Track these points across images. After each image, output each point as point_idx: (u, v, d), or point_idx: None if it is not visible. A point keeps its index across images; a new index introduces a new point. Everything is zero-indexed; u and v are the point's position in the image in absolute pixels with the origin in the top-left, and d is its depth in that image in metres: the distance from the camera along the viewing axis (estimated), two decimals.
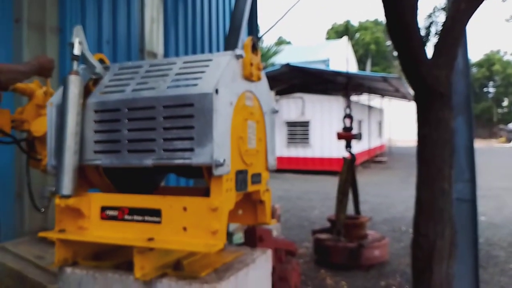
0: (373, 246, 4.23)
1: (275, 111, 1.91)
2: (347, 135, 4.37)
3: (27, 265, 2.55)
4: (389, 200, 9.76)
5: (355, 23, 47.95)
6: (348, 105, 4.56)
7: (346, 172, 4.17)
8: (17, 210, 2.81)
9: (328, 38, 48.03)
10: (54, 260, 1.73)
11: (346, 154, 4.55)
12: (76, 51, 1.63)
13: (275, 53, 13.48)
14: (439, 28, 3.68)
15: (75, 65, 1.64)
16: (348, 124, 4.47)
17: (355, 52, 43.12)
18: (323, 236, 4.46)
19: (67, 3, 3.18)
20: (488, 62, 45.11)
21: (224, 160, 1.47)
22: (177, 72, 1.63)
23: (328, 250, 4.16)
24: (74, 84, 1.60)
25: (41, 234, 1.68)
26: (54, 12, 3.11)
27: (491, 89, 46.85)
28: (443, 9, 3.95)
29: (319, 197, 10.08)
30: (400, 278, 4.52)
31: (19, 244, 2.70)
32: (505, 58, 45.99)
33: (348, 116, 4.45)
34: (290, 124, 15.67)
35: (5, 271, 2.50)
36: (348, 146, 4.45)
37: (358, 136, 4.61)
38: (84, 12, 3.31)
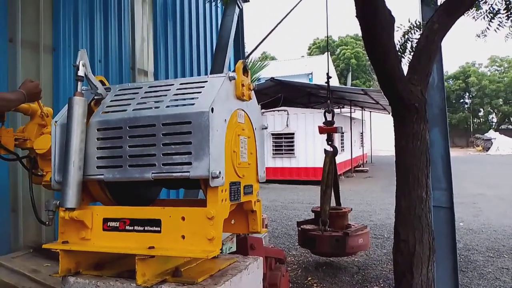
0: (357, 235, 4.35)
1: (264, 128, 2.06)
2: (328, 129, 4.47)
3: (22, 279, 2.60)
4: (371, 208, 9.99)
5: (335, 38, 48.96)
6: (329, 98, 4.66)
7: (329, 164, 4.28)
8: (12, 225, 2.85)
9: (310, 53, 48.93)
10: (49, 273, 1.80)
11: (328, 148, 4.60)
12: (81, 72, 1.75)
13: (260, 67, 13.79)
14: (415, 44, 3.91)
15: (79, 86, 1.76)
16: (329, 118, 4.56)
17: (337, 66, 44.00)
18: (309, 227, 4.54)
19: (60, 23, 3.28)
20: (464, 74, 46.55)
21: (220, 173, 1.60)
22: (174, 92, 1.77)
23: (314, 240, 4.25)
24: (79, 105, 1.72)
25: (46, 246, 1.77)
26: (48, 32, 3.20)
27: (467, 100, 48.27)
28: (418, 27, 4.19)
29: (305, 207, 10.23)
30: (384, 283, 4.68)
31: (14, 258, 2.75)
32: (480, 70, 47.57)
33: (329, 110, 4.54)
34: (276, 136, 15.89)
35: (0, 285, 2.54)
36: (329, 139, 4.54)
37: (340, 129, 4.68)
38: (77, 32, 3.42)
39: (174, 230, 1.65)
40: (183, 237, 1.64)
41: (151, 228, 1.69)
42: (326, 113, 4.56)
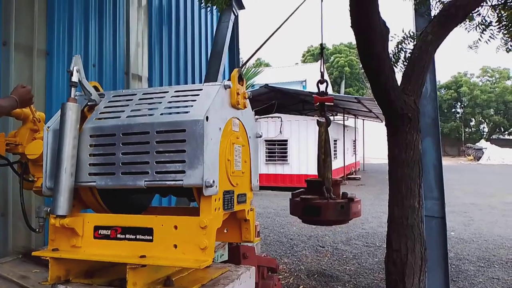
0: (357, 201, 4.32)
1: (258, 136, 2.06)
2: (324, 99, 4.44)
3: (10, 286, 2.55)
4: (363, 215, 9.95)
5: (329, 46, 49.29)
6: (321, 71, 4.63)
7: (324, 134, 4.26)
8: (1, 229, 2.80)
9: (304, 61, 49.22)
10: (38, 280, 1.78)
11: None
12: (75, 78, 1.73)
13: (254, 74, 13.87)
14: (408, 54, 3.95)
15: (73, 91, 1.74)
16: (322, 89, 4.54)
17: (330, 74, 44.28)
18: (310, 196, 4.46)
19: (55, 27, 3.25)
20: (456, 84, 47.08)
21: (214, 181, 1.59)
22: (169, 100, 1.76)
23: (319, 209, 4.17)
24: (72, 110, 1.70)
25: (35, 253, 1.74)
26: (42, 36, 3.17)
27: (459, 110, 48.75)
28: (412, 37, 4.24)
29: None
30: None
31: (2, 264, 2.69)
32: (472, 80, 48.12)
33: (322, 81, 4.52)
34: (269, 142, 15.92)
35: None
36: (322, 110, 4.52)
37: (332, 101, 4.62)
38: (71, 36, 3.38)
39: (166, 239, 1.63)
40: (175, 246, 1.62)
41: (143, 237, 1.67)
42: (319, 84, 4.51)
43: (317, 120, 4.40)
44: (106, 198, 1.84)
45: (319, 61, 4.61)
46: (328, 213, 4.15)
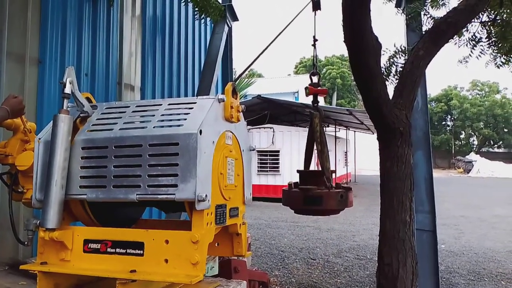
0: (352, 190, 4.31)
1: (252, 149, 2.05)
2: (318, 90, 4.44)
3: None
4: (354, 228, 10.01)
5: (322, 58, 49.63)
6: (314, 63, 4.65)
7: (319, 124, 4.24)
8: None
9: (297, 72, 49.58)
10: None
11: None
12: (67, 90, 1.72)
13: (247, 84, 13.94)
14: (399, 69, 4.00)
15: (65, 103, 1.73)
16: (315, 80, 4.54)
17: (322, 85, 44.54)
18: (309, 186, 4.41)
19: (48, 36, 3.24)
20: (446, 97, 47.67)
21: (206, 196, 1.58)
22: (162, 113, 1.75)
23: (321, 198, 4.13)
24: (64, 122, 1.68)
25: (23, 267, 1.71)
26: (34, 44, 3.16)
27: (449, 123, 49.27)
28: (403, 52, 4.31)
29: (288, 225, 10.18)
30: None
31: None
32: (462, 93, 48.76)
33: (314, 72, 4.53)
34: (261, 153, 15.91)
35: None
36: (315, 101, 4.52)
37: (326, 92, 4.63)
38: (64, 45, 3.37)
39: (157, 254, 1.61)
40: (166, 261, 1.60)
41: (134, 251, 1.64)
42: (312, 76, 4.52)
43: (310, 111, 4.40)
44: (96, 211, 1.82)
45: (311, 71, 4.63)
46: (330, 203, 4.13)
